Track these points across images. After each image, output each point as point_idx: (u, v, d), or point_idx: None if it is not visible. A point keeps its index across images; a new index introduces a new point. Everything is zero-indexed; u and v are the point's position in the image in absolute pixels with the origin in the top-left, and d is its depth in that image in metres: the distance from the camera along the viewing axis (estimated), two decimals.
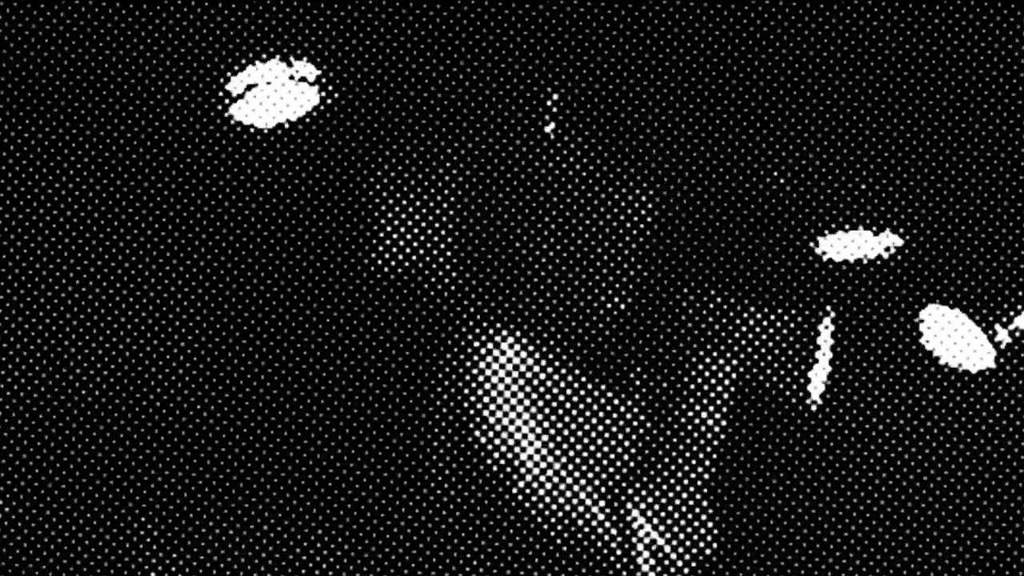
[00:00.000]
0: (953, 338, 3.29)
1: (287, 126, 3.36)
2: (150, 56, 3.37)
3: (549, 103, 3.16)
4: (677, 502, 2.21)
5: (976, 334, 3.26)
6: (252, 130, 3.37)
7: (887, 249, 3.24)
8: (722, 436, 2.29)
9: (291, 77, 3.32)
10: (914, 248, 3.28)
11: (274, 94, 3.34)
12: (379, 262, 2.41)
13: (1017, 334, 3.30)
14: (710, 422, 2.29)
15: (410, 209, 2.47)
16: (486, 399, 2.25)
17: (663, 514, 2.18)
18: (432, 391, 2.25)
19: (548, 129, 3.11)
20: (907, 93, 3.25)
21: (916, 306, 3.29)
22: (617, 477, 2.23)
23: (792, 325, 2.33)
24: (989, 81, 3.19)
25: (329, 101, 3.32)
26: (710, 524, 2.32)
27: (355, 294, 3.13)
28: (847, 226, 3.25)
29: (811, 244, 3.20)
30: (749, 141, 3.12)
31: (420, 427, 2.26)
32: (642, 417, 2.39)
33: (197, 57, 3.35)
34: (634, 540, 2.18)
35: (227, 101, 3.29)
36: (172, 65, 3.40)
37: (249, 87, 3.30)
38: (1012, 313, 3.29)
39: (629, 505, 2.20)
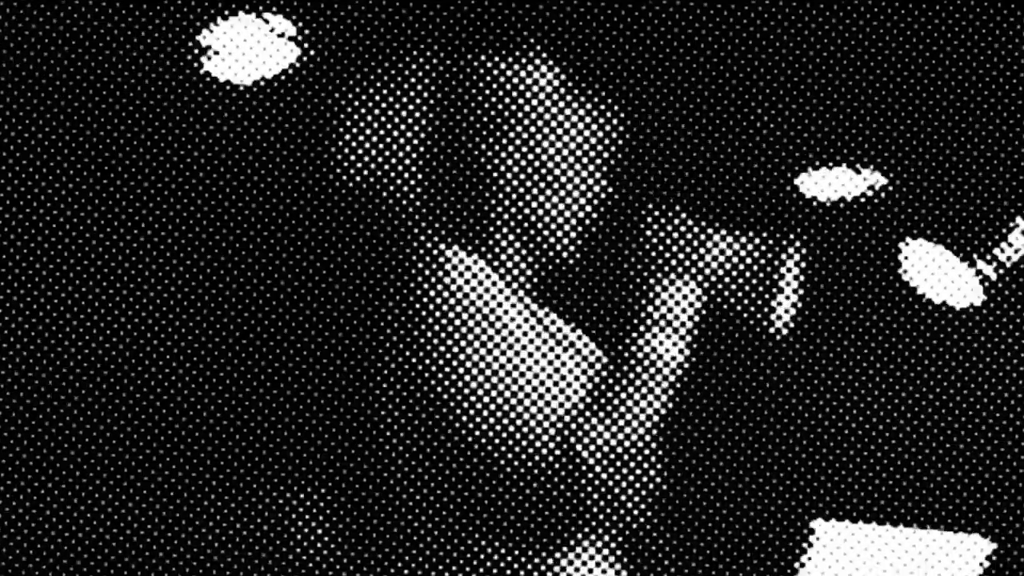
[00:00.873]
0: (937, 274, 3.29)
1: (263, 82, 3.34)
2: (125, 14, 3.34)
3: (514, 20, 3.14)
4: (631, 439, 2.18)
5: (960, 269, 3.26)
6: (228, 86, 3.35)
7: (870, 186, 3.24)
8: (683, 367, 2.26)
9: (268, 32, 3.30)
10: (897, 184, 3.28)
11: (249, 50, 3.32)
12: (338, 176, 2.38)
13: (1001, 269, 3.30)
14: (670, 352, 2.25)
15: (372, 123, 2.44)
16: (432, 322, 2.18)
17: (614, 452, 2.16)
18: (379, 313, 2.22)
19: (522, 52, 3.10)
20: (891, 28, 3.24)
21: (899, 242, 3.29)
22: (569, 412, 2.19)
23: (759, 252, 2.30)
24: (972, 15, 3.19)
25: (305, 56, 3.31)
26: (665, 461, 2.30)
27: (313, 209, 3.11)
28: (830, 163, 3.25)
29: (794, 181, 3.20)
30: (730, 69, 3.10)
31: (366, 350, 2.22)
32: (597, 348, 2.37)
33: (172, 14, 3.33)
34: (582, 480, 2.16)
35: (202, 57, 3.27)
36: (147, 22, 3.38)
37: (223, 43, 3.28)
38: (996, 249, 3.29)
39: (579, 444, 2.17)
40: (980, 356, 3.56)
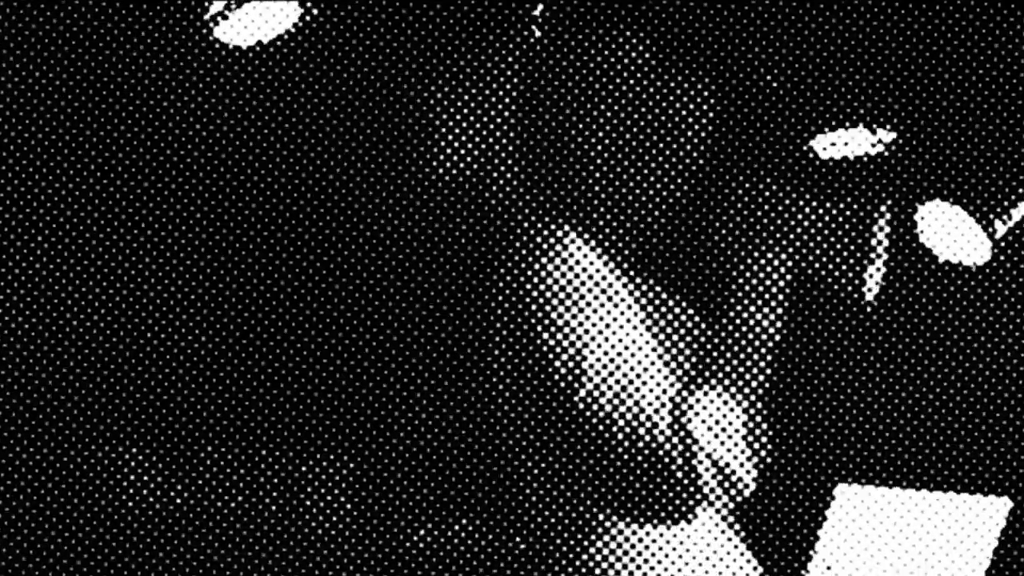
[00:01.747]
0: (953, 235, 3.26)
1: (276, 44, 3.33)
2: None
3: (538, 10, 3.12)
4: (737, 410, 2.18)
5: (975, 230, 3.24)
6: (238, 52, 3.34)
7: (881, 145, 3.21)
8: (778, 337, 2.25)
9: None
10: (911, 143, 3.25)
11: (255, 13, 3.30)
12: (433, 176, 2.38)
13: (1017, 229, 3.27)
14: (767, 322, 2.25)
15: (459, 117, 2.43)
16: (551, 300, 2.19)
17: (723, 424, 2.16)
18: (494, 297, 2.21)
19: (537, 35, 3.08)
20: None
21: (915, 202, 3.26)
22: (679, 386, 2.18)
23: (848, 218, 2.28)
24: None
25: (311, 16, 3.29)
26: (770, 432, 2.29)
27: (409, 209, 3.11)
28: (846, 123, 3.22)
29: (809, 143, 3.17)
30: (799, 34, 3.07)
31: (483, 334, 2.22)
32: (699, 320, 2.36)
33: None
34: (697, 451, 2.15)
35: (211, 24, 3.26)
36: None
37: (230, 6, 3.27)
38: (1011, 208, 3.27)
39: (691, 415, 2.15)
40: (992, 316, 3.54)
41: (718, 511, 2.28)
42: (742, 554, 2.28)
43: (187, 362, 3.45)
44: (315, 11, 3.28)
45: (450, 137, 2.40)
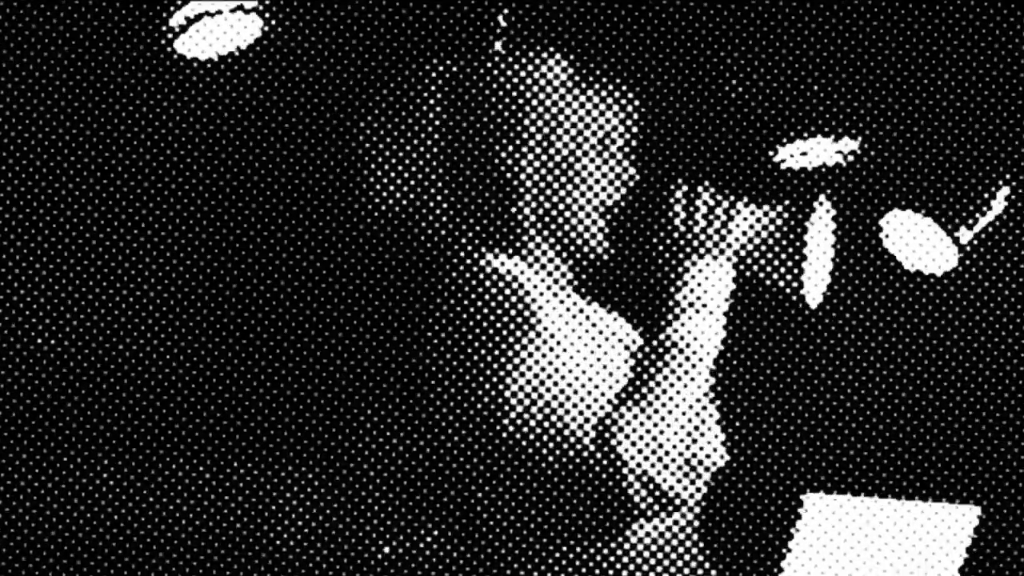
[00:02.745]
0: (918, 240, 3.26)
1: (232, 58, 3.31)
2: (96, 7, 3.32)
3: (498, 20, 3.11)
4: (674, 425, 2.17)
5: (940, 236, 3.23)
6: (196, 64, 3.32)
7: (848, 155, 3.20)
8: (719, 346, 2.24)
9: (233, 10, 3.26)
10: (876, 153, 3.25)
11: (216, 27, 3.28)
12: (367, 202, 2.38)
13: (982, 235, 3.27)
14: (705, 334, 2.24)
15: (391, 144, 2.43)
16: (472, 327, 2.20)
17: (652, 441, 2.15)
18: (426, 320, 2.21)
19: (497, 46, 3.07)
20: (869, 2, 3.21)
21: (880, 210, 3.26)
22: (607, 404, 2.17)
23: (784, 221, 2.27)
24: None
25: (273, 30, 3.27)
26: (717, 442, 2.29)
27: (342, 234, 3.09)
28: (806, 133, 3.21)
29: (771, 152, 3.16)
30: (730, 46, 3.07)
31: (415, 361, 2.23)
32: (634, 335, 2.36)
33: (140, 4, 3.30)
34: (625, 472, 2.14)
35: (171, 36, 3.23)
36: (114, 6, 3.34)
37: (191, 20, 3.25)
38: (977, 215, 3.26)
39: (619, 435, 2.15)
40: (957, 324, 3.54)
41: (680, 515, 2.27)
42: (701, 567, 2.26)
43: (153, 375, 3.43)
44: (276, 25, 3.26)
45: (381, 163, 2.40)
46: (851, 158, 3.19)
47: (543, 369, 2.16)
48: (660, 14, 3.03)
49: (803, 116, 3.24)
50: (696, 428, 2.15)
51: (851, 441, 3.77)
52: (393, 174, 2.36)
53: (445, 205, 2.35)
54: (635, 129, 2.41)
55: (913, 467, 3.78)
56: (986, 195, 3.24)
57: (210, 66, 3.41)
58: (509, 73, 2.35)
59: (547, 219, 2.35)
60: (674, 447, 2.13)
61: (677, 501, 2.14)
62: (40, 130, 3.48)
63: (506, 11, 3.03)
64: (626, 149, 2.39)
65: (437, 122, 2.37)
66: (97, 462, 3.37)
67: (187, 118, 3.49)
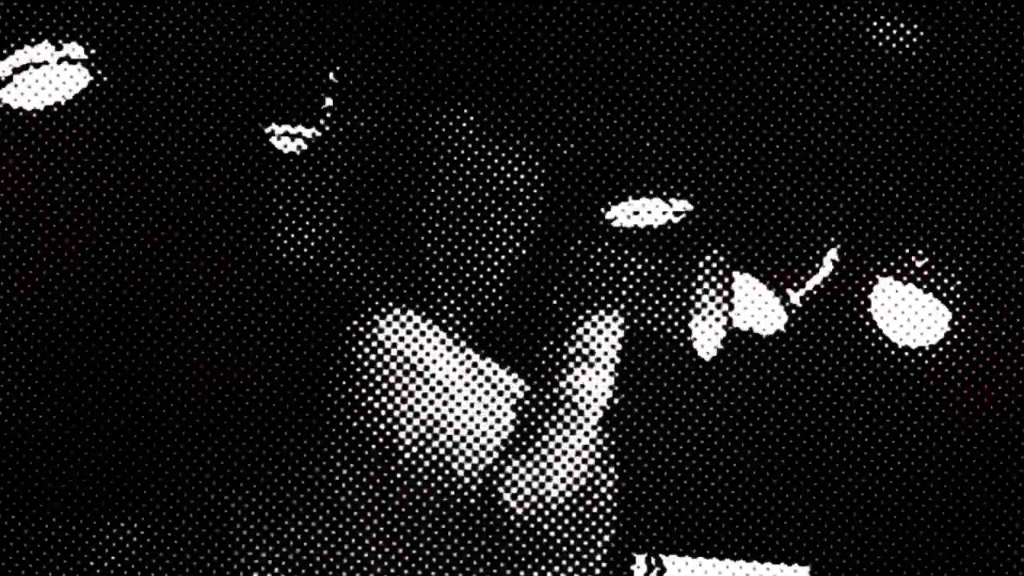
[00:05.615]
0: (745, 302, 3.29)
1: (57, 108, 3.26)
2: None
3: (329, 78, 3.10)
4: (557, 476, 2.18)
5: (768, 297, 3.26)
6: (21, 113, 3.27)
7: (677, 214, 3.22)
8: (608, 397, 2.27)
9: (60, 60, 3.22)
10: (705, 212, 3.27)
11: (43, 77, 3.23)
12: (270, 256, 2.40)
13: (808, 298, 3.30)
14: (596, 385, 2.26)
15: (294, 196, 2.44)
16: (367, 379, 2.24)
17: (538, 493, 2.16)
18: (321, 374, 2.25)
19: (328, 103, 3.06)
20: (695, 59, 3.24)
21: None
22: (495, 454, 2.19)
23: (675, 274, 2.29)
24: (764, 41, 3.19)
25: (99, 82, 3.24)
26: (604, 493, 2.31)
27: (247, 286, 3.08)
28: (637, 192, 3.23)
29: (601, 211, 3.17)
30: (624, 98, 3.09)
31: (312, 417, 2.26)
32: (525, 388, 2.36)
33: None
34: (510, 521, 2.13)
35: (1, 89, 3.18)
36: None
37: (17, 70, 3.19)
38: (803, 277, 3.30)
39: (505, 485, 2.14)
40: (788, 383, 3.57)
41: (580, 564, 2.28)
42: None
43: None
44: (104, 77, 3.23)
45: (287, 218, 2.42)
46: (681, 217, 3.21)
47: (431, 418, 2.17)
48: (555, 69, 3.06)
49: (635, 174, 3.25)
50: (581, 479, 2.17)
51: (696, 501, 3.79)
52: (292, 230, 2.38)
53: (347, 257, 2.36)
54: (535, 183, 2.44)
55: (748, 527, 3.80)
56: (813, 257, 3.28)
57: (35, 116, 3.35)
58: (411, 128, 2.37)
59: (447, 272, 2.37)
60: (561, 496, 2.14)
61: (563, 550, 2.16)
62: None
63: (337, 68, 3.02)
64: (526, 203, 2.41)
65: (341, 180, 2.40)
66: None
67: (13, 168, 3.43)
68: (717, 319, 2.30)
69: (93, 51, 3.18)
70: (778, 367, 3.52)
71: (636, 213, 3.20)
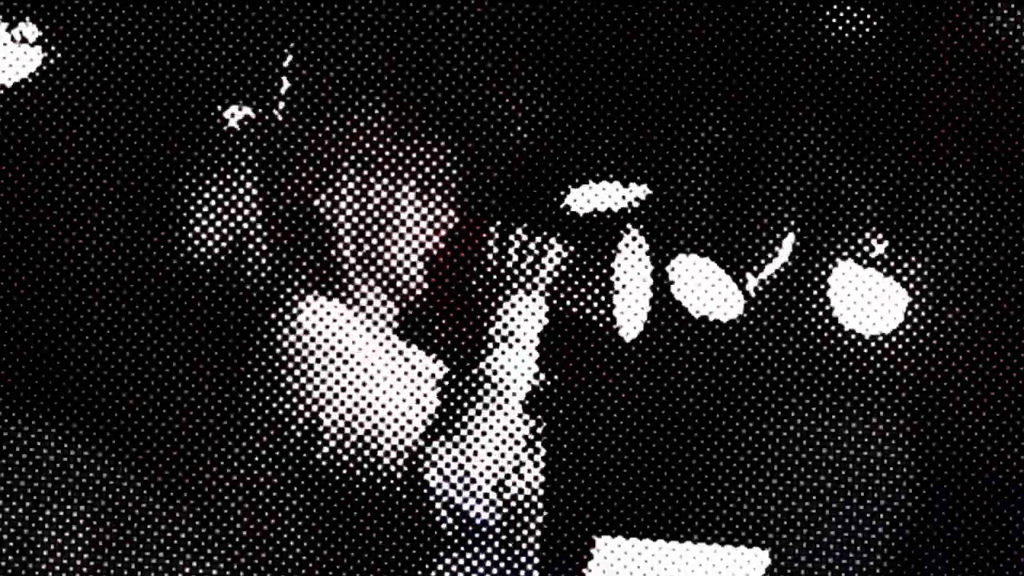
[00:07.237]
0: (704, 287, 3.28)
1: (12, 87, 3.24)
2: None
3: (285, 63, 3.09)
4: (478, 457, 2.24)
5: (727, 283, 3.26)
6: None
7: (636, 199, 3.22)
8: (531, 379, 2.32)
9: (12, 39, 3.19)
10: (663, 197, 3.27)
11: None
12: (187, 248, 2.44)
13: (767, 282, 3.30)
14: (517, 367, 2.31)
15: (210, 190, 2.46)
16: (290, 364, 2.30)
17: (462, 471, 2.21)
18: (245, 363, 2.32)
19: (284, 88, 3.04)
20: (653, 39, 3.23)
21: (666, 255, 3.28)
22: (418, 437, 2.25)
23: (594, 255, 2.34)
24: (727, 23, 3.19)
25: (53, 61, 3.22)
26: (520, 477, 2.36)
27: (164, 279, 3.07)
28: (594, 177, 3.22)
29: (559, 196, 3.17)
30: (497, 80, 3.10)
31: (236, 399, 2.32)
32: (446, 370, 2.39)
33: None
34: (433, 501, 2.17)
35: None
36: None
37: None
38: (763, 261, 3.29)
39: (428, 466, 2.20)
40: (743, 370, 3.57)
41: (476, 555, 2.32)
42: None
43: None
44: (59, 56, 3.20)
45: (202, 208, 2.44)
46: (639, 203, 3.20)
47: (356, 404, 2.21)
48: (475, 61, 3.05)
49: (594, 158, 3.25)
50: (505, 458, 2.22)
51: (645, 481, 3.78)
52: (210, 220, 2.41)
53: (265, 249, 2.41)
54: (453, 172, 2.49)
55: (706, 509, 3.81)
56: (772, 242, 3.28)
57: None
58: (328, 119, 2.41)
59: (367, 261, 2.40)
60: (482, 476, 2.17)
61: (484, 530, 2.20)
62: None
63: (293, 48, 3.01)
64: (444, 192, 2.45)
65: (254, 168, 2.43)
66: None
67: None
68: (637, 300, 2.34)
69: (47, 28, 3.16)
70: (738, 351, 3.53)
71: (596, 196, 3.19)
